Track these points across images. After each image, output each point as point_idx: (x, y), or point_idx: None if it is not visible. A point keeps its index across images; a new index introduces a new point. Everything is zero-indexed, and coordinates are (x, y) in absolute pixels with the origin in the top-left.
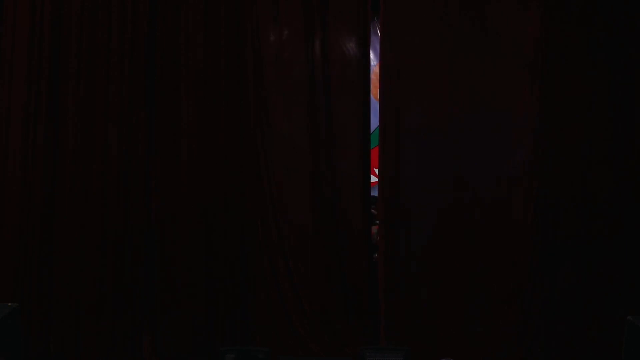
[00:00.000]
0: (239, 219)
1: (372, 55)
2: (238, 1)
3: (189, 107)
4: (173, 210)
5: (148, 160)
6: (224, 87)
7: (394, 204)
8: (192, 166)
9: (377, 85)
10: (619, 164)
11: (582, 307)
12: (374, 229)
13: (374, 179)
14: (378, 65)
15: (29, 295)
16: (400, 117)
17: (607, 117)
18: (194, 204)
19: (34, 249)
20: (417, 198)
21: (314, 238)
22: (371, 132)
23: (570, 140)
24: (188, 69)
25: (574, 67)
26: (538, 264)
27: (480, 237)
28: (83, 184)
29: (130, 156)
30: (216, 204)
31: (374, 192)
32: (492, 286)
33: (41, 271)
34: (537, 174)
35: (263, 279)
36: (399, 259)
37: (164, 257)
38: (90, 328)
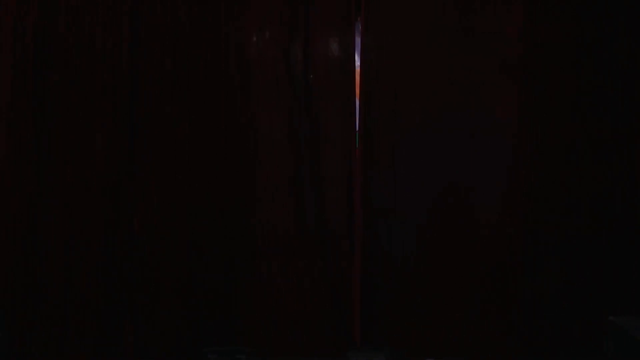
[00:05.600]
0: (222, 220)
1: (355, 56)
2: (221, 2)
3: (173, 108)
4: (157, 213)
5: (132, 161)
6: (207, 89)
7: (374, 204)
8: (177, 168)
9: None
10: (602, 165)
11: (565, 307)
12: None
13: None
14: (360, 65)
15: (12, 297)
16: (381, 117)
17: (590, 118)
18: (178, 206)
19: (17, 250)
20: (399, 198)
21: (298, 239)
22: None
23: (552, 141)
24: (171, 70)
25: (556, 68)
26: (522, 266)
27: (463, 238)
28: (68, 186)
29: (115, 158)
30: (200, 207)
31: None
32: (475, 287)
33: (24, 272)
34: (521, 175)
35: (247, 281)
36: (379, 259)
37: (148, 258)
38: (73, 330)
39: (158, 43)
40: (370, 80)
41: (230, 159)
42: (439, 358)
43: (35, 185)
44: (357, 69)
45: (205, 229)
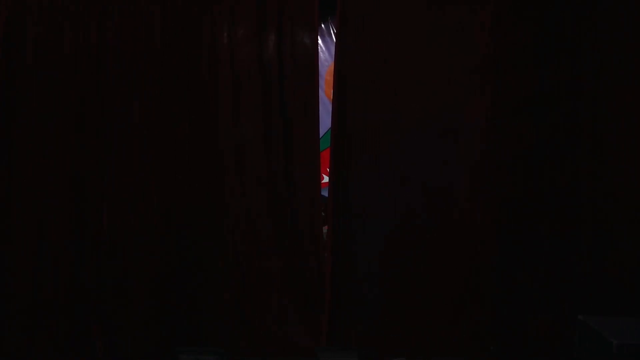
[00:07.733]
0: (195, 220)
1: (327, 56)
2: (194, 2)
3: (143, 109)
4: (128, 215)
5: (101, 163)
6: (179, 91)
7: (344, 204)
8: (147, 168)
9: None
10: (569, 165)
11: (535, 307)
12: (324, 229)
13: (325, 179)
14: (334, 67)
15: None
16: (354, 118)
17: (555, 120)
18: (150, 207)
19: None
20: (369, 199)
21: (269, 238)
22: (325, 132)
23: (520, 142)
24: (142, 71)
25: (524, 69)
26: (493, 266)
27: (436, 239)
28: (38, 189)
29: (84, 159)
30: (172, 208)
31: (324, 193)
32: (447, 287)
33: None
34: (491, 176)
35: (218, 281)
36: (349, 260)
37: (118, 259)
38: (41, 331)
39: (128, 46)
40: (343, 79)
41: (202, 159)
42: (409, 358)
43: (5, 189)
44: (332, 70)
45: (176, 227)
